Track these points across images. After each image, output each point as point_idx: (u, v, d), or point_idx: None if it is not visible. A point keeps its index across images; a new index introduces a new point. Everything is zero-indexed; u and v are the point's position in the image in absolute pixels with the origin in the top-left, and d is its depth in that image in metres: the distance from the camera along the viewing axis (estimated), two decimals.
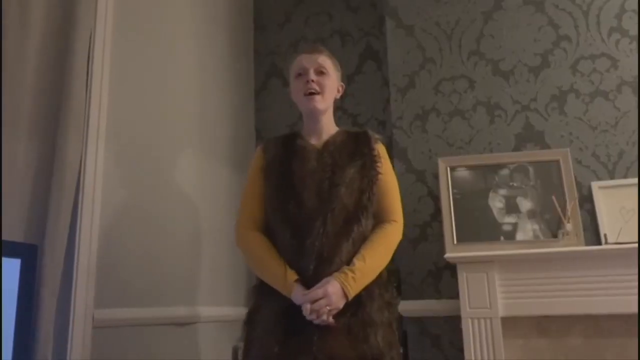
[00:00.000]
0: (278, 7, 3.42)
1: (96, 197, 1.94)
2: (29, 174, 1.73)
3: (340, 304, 1.58)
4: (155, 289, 2.22)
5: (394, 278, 2.58)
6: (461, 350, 2.15)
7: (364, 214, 1.71)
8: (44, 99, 1.80)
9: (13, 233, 1.64)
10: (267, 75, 3.34)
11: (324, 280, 1.59)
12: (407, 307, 2.41)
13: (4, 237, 1.56)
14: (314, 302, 1.55)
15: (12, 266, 1.52)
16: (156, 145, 2.34)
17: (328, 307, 1.55)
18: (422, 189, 2.54)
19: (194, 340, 2.43)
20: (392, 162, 2.61)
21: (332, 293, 1.56)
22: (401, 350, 2.43)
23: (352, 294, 1.59)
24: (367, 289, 1.65)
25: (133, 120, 2.21)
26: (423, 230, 2.49)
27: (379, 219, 1.77)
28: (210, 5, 2.95)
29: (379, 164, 1.79)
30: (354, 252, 1.67)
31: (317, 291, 1.57)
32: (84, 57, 1.91)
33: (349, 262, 1.64)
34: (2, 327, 1.45)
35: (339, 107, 3.13)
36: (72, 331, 1.78)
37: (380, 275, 1.71)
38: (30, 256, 1.60)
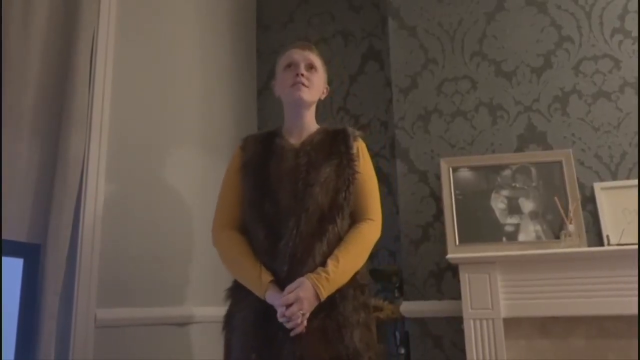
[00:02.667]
0: (281, 7, 3.43)
1: (99, 196, 1.94)
2: (31, 173, 1.74)
3: (313, 306, 1.56)
4: (158, 288, 2.22)
5: (396, 278, 2.59)
6: (463, 351, 2.15)
7: (339, 214, 1.68)
8: (46, 98, 1.81)
9: (16, 232, 1.64)
10: (269, 75, 3.33)
11: (296, 282, 1.57)
12: (409, 307, 2.41)
13: (6, 237, 1.56)
14: (287, 306, 1.53)
15: (15, 266, 1.53)
16: (159, 145, 2.34)
17: (301, 312, 1.53)
18: (425, 190, 2.54)
19: (196, 340, 2.43)
20: (394, 163, 2.63)
21: (304, 297, 1.53)
22: (402, 351, 2.43)
23: (324, 295, 1.57)
24: (341, 290, 1.63)
25: (136, 119, 2.22)
26: (425, 231, 2.49)
27: (356, 218, 1.74)
28: (213, 5, 2.95)
29: (356, 163, 1.75)
30: (329, 253, 1.63)
31: (288, 296, 1.54)
32: (86, 55, 1.91)
33: (323, 263, 1.61)
34: (3, 326, 1.45)
35: (342, 108, 3.14)
36: (74, 330, 1.79)
37: (355, 277, 1.68)
38: (32, 256, 1.60)
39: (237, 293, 1.72)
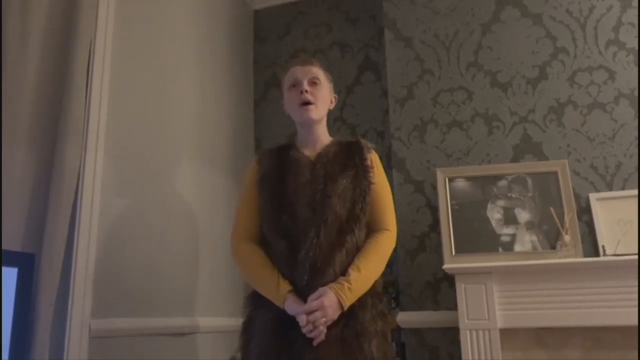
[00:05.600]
0: (278, 19, 3.45)
1: (94, 205, 1.94)
2: (27, 182, 1.74)
3: (336, 315, 1.59)
4: (153, 299, 2.21)
5: (392, 289, 2.58)
6: None
7: (357, 225, 1.71)
8: (43, 107, 1.81)
9: (10, 242, 1.64)
10: (266, 86, 3.36)
11: (319, 291, 1.59)
12: (406, 318, 2.40)
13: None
14: (309, 313, 1.55)
15: (9, 275, 1.52)
16: (155, 155, 2.34)
17: (324, 319, 1.55)
18: (421, 200, 2.54)
19: (192, 350, 2.42)
20: (390, 173, 2.63)
21: (328, 305, 1.56)
22: None
23: (347, 305, 1.60)
24: (360, 299, 1.65)
25: (132, 129, 2.22)
26: (421, 241, 2.49)
27: (372, 228, 1.77)
28: (210, 16, 2.97)
29: (371, 174, 1.79)
30: (348, 262, 1.67)
31: (312, 303, 1.57)
32: (83, 65, 1.92)
33: (342, 272, 1.64)
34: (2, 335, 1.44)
35: (338, 118, 3.15)
36: (68, 341, 1.78)
37: (373, 286, 1.71)
38: (27, 265, 1.59)
39: (257, 300, 1.74)
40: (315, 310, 1.55)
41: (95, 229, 1.93)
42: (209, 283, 2.62)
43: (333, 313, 1.57)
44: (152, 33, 2.43)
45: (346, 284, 1.61)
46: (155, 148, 2.35)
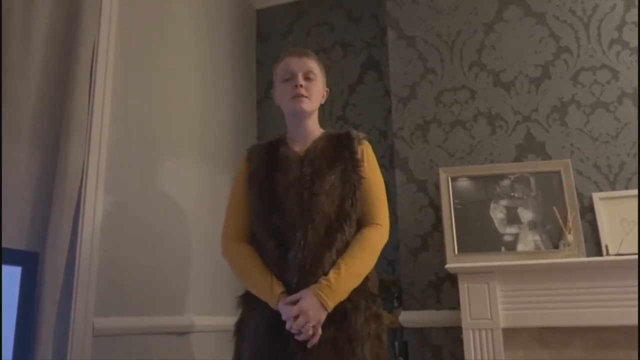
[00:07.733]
0: (280, 18, 3.45)
1: (97, 205, 1.94)
2: (31, 182, 1.74)
3: (321, 315, 1.54)
4: (156, 298, 2.22)
5: (395, 288, 2.58)
6: None
7: (347, 222, 1.66)
8: (46, 107, 1.81)
9: (14, 241, 1.64)
10: (269, 85, 3.34)
11: (299, 293, 1.56)
12: (408, 317, 2.40)
13: (5, 245, 1.57)
14: (294, 318, 1.52)
15: (13, 274, 1.52)
16: (158, 154, 2.35)
17: (309, 323, 1.51)
18: (424, 199, 2.54)
19: (194, 349, 2.42)
20: (393, 172, 2.64)
21: (307, 309, 1.51)
22: None
23: (330, 303, 1.55)
24: (353, 300, 1.61)
25: (135, 129, 2.22)
26: (424, 240, 2.49)
27: (363, 224, 1.71)
28: (213, 16, 2.97)
29: (361, 168, 1.72)
30: None
31: (291, 310, 1.52)
32: (86, 65, 1.92)
33: None
34: (2, 335, 1.45)
35: (340, 117, 3.15)
36: (71, 339, 1.78)
37: (366, 286, 1.67)
38: (31, 264, 1.60)
39: (249, 300, 1.71)
40: (298, 316, 1.51)
41: (98, 228, 1.94)
42: (212, 282, 2.62)
43: (315, 314, 1.52)
44: (154, 33, 2.43)
45: (325, 282, 1.56)
46: (158, 148, 2.35)
